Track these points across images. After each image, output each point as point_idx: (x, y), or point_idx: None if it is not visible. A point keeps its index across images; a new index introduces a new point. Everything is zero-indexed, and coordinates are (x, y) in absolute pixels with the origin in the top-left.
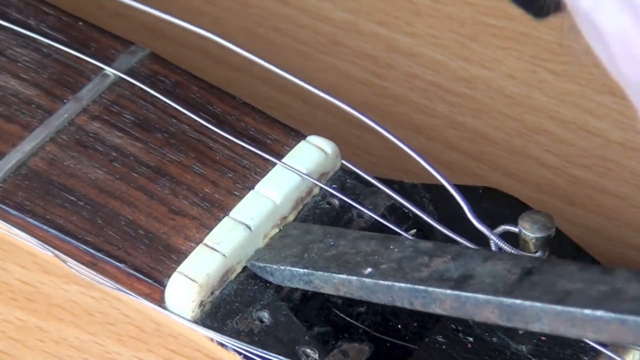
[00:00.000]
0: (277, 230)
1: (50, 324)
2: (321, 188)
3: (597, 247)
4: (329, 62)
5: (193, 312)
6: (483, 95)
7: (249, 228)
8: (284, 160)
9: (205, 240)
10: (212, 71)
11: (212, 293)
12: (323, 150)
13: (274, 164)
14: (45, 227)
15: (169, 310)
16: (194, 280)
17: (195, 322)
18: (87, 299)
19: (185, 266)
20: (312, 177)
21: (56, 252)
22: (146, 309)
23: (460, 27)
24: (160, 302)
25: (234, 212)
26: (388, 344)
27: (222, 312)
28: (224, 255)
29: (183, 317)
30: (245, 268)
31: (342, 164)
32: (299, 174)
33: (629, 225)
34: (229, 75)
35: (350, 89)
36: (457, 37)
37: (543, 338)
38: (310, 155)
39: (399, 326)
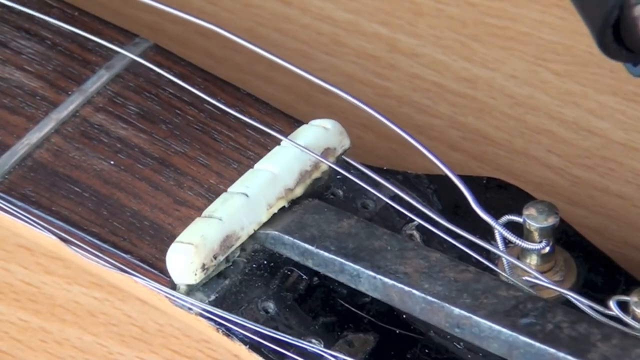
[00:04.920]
0: (284, 203)
1: (53, 324)
2: (330, 167)
3: (599, 247)
4: (330, 62)
5: (195, 275)
6: (485, 95)
7: (246, 195)
8: (283, 142)
9: (202, 214)
10: (214, 71)
11: (215, 257)
12: (323, 126)
13: None
14: (50, 218)
15: (177, 297)
16: (189, 243)
17: (202, 300)
18: (90, 300)
19: (182, 236)
20: (311, 151)
21: (61, 235)
22: (149, 309)
23: (463, 27)
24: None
25: (231, 188)
26: (393, 334)
27: (227, 302)
28: (219, 219)
29: (194, 303)
30: (250, 258)
31: (345, 159)
32: (297, 147)
33: (631, 225)
34: (231, 76)
35: (352, 89)
36: (459, 37)
37: None
38: (310, 131)
39: (404, 316)
